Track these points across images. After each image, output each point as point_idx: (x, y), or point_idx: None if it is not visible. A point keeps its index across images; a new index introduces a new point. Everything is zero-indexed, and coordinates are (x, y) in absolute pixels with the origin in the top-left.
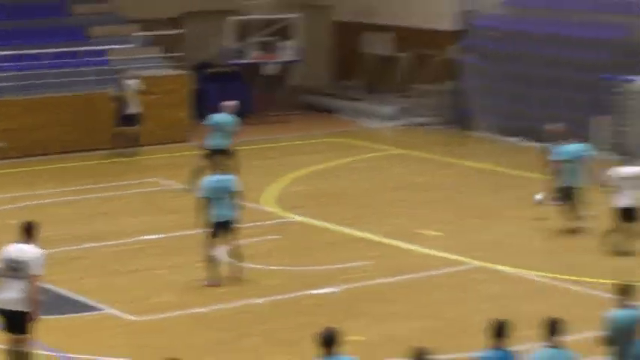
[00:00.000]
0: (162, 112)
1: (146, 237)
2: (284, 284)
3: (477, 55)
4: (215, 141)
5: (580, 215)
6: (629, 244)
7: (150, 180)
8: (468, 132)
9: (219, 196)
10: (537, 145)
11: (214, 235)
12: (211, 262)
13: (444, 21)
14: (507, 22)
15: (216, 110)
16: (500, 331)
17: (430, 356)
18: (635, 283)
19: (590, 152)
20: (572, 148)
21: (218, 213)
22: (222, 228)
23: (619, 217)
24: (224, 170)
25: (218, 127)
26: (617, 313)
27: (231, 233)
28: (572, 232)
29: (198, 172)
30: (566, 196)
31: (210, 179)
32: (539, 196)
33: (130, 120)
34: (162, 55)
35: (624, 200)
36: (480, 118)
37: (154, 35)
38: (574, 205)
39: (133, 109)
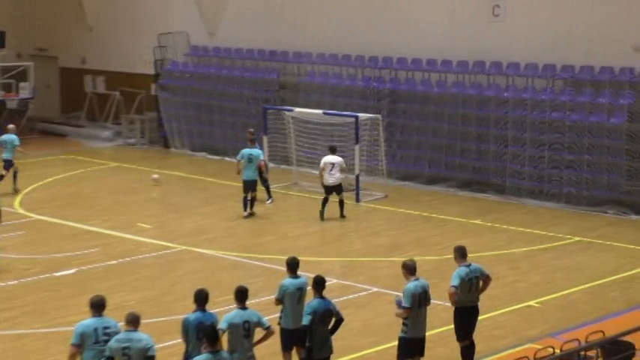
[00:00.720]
0: None
1: None
2: (32, 269)
3: (171, 91)
4: (5, 155)
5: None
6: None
7: None
8: (167, 149)
9: None
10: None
11: None
12: None
13: (145, 66)
14: (191, 67)
15: None
16: (201, 297)
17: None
18: (298, 259)
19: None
20: (253, 152)
21: None
22: None
23: (325, 192)
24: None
25: (5, 144)
26: (286, 281)
27: None
28: (250, 216)
29: None
30: (247, 188)
31: None
32: (155, 176)
33: None
34: None
35: (330, 180)
36: (176, 138)
37: None
38: (254, 194)
39: None
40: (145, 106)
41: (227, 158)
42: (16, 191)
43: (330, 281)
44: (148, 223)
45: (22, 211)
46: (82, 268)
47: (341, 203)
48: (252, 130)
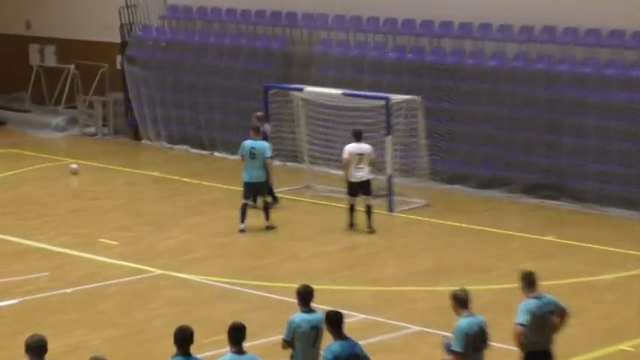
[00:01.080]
0: None
1: None
2: None
3: (142, 65)
4: None
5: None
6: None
7: None
8: (138, 141)
9: None
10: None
11: None
12: None
13: (108, 32)
14: (169, 33)
15: None
16: (183, 336)
17: None
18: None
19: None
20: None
21: None
22: None
23: (350, 192)
24: None
25: None
26: (297, 317)
27: None
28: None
29: None
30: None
31: None
32: (74, 166)
33: None
34: None
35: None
36: (149, 127)
37: None
38: (267, 200)
39: None
40: (108, 85)
41: (216, 153)
42: None
43: (355, 317)
44: (113, 239)
45: None
46: (29, 297)
47: (368, 211)
48: (260, 114)
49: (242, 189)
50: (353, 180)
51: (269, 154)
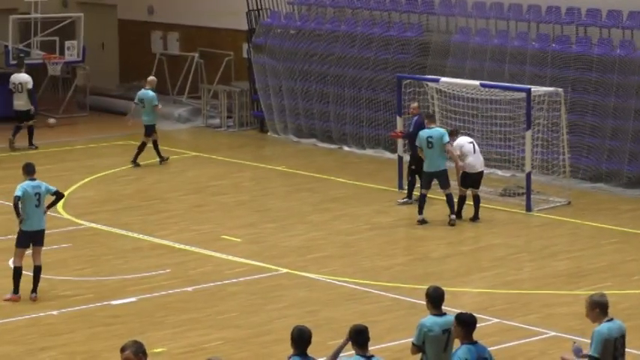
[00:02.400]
0: None
1: None
2: (78, 295)
3: (269, 54)
4: (145, 117)
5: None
6: None
7: None
8: (264, 134)
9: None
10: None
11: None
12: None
13: (234, 19)
14: (298, 21)
15: None
16: (302, 338)
17: None
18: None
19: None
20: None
21: None
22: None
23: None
24: None
25: (143, 103)
26: (428, 320)
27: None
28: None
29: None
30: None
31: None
32: (52, 120)
33: None
34: None
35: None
36: (276, 119)
37: None
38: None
39: None
40: (233, 74)
41: (345, 147)
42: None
43: (489, 321)
44: (237, 236)
45: (67, 216)
46: (147, 295)
47: (477, 200)
48: (416, 105)
49: (422, 178)
50: (475, 171)
51: (447, 139)
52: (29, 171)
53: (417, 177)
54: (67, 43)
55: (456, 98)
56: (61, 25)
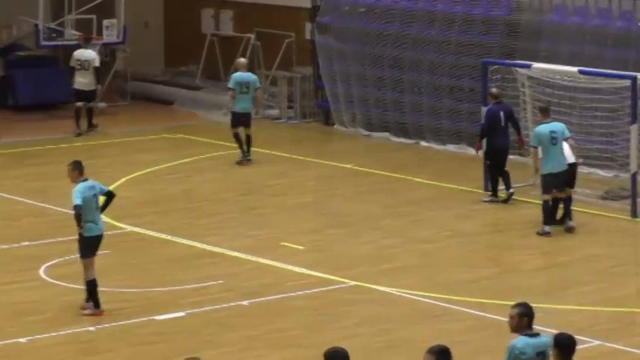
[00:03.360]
0: None
1: None
2: (119, 309)
3: (336, 35)
4: (240, 104)
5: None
6: None
7: None
8: (329, 126)
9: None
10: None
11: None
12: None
13: None
14: None
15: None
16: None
17: None
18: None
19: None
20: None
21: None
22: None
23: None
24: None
25: (241, 87)
26: (520, 341)
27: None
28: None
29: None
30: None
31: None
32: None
33: None
34: None
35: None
36: (343, 110)
37: None
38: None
39: None
40: (295, 59)
41: (423, 142)
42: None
43: (589, 343)
44: (299, 243)
45: (106, 219)
46: (196, 310)
47: (569, 201)
48: (494, 91)
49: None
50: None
51: (568, 133)
52: (82, 170)
53: (497, 172)
54: (106, 22)
55: (549, 87)
56: (99, 1)
